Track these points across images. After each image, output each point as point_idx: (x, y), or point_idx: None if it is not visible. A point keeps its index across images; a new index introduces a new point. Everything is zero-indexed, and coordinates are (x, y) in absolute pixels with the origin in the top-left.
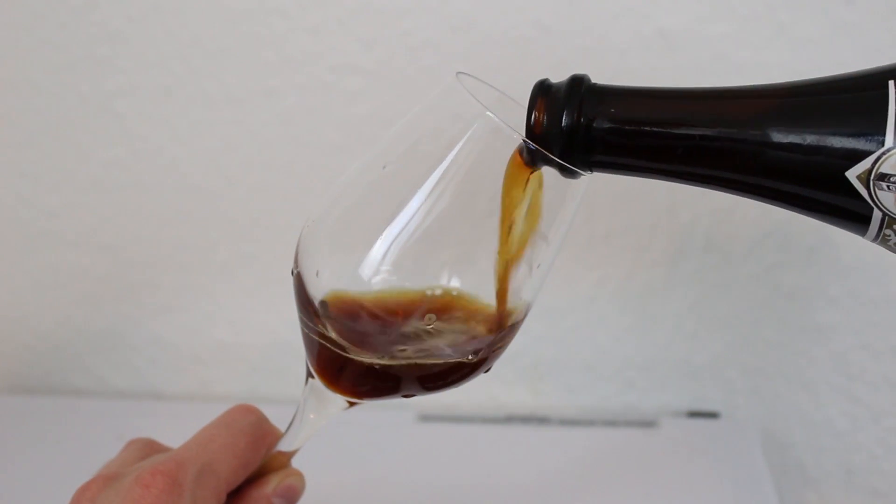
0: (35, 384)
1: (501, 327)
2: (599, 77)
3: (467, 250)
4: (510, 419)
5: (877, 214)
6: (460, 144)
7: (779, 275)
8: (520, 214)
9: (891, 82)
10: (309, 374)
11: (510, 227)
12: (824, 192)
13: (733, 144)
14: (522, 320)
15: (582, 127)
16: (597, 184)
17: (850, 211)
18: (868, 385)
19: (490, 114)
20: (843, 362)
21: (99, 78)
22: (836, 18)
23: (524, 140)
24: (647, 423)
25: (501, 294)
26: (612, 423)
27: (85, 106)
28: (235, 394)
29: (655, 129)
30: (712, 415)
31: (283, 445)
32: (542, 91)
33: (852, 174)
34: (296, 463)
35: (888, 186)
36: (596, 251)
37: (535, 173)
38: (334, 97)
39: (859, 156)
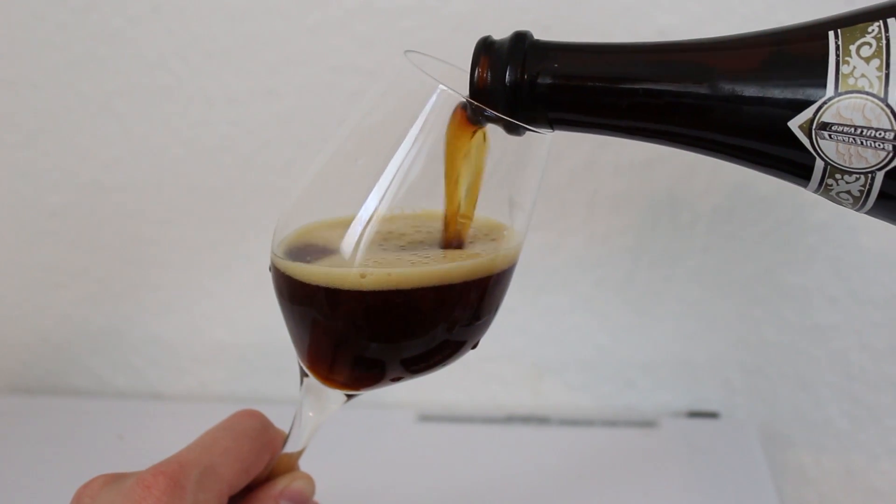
0: (35, 384)
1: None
2: None
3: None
4: (510, 419)
5: (819, 164)
6: (420, 121)
7: (779, 275)
8: (465, 171)
9: (831, 33)
10: (303, 374)
11: (456, 184)
12: (768, 144)
13: (677, 98)
14: (504, 282)
15: (526, 83)
16: (597, 184)
17: (793, 162)
18: (868, 385)
19: (443, 86)
20: (843, 362)
21: (99, 78)
22: None
23: (468, 101)
24: (647, 423)
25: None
26: (612, 423)
27: (85, 106)
28: (235, 394)
29: (599, 83)
30: (712, 415)
31: (288, 447)
32: (486, 48)
33: (795, 124)
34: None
35: (830, 135)
36: (596, 251)
37: (479, 131)
38: (334, 97)
39: (801, 106)
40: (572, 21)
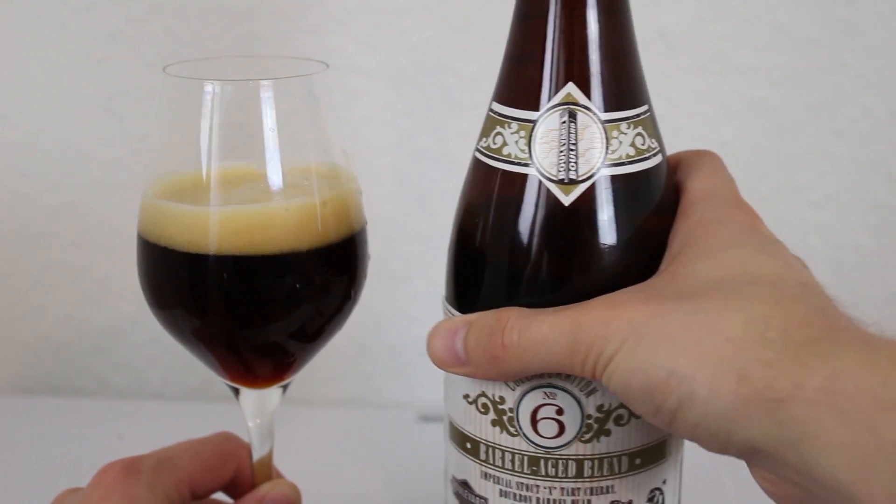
0: (35, 384)
1: None
2: None
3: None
4: None
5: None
6: (208, 114)
7: None
8: None
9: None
10: (234, 391)
11: None
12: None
13: None
14: (358, 238)
15: None
16: None
17: None
18: None
19: (210, 82)
20: None
21: (99, 78)
22: (836, 18)
23: None
24: None
25: None
26: None
27: (85, 106)
28: None
29: None
30: None
31: (256, 455)
32: None
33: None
34: (297, 466)
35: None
36: None
37: None
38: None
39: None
40: None
